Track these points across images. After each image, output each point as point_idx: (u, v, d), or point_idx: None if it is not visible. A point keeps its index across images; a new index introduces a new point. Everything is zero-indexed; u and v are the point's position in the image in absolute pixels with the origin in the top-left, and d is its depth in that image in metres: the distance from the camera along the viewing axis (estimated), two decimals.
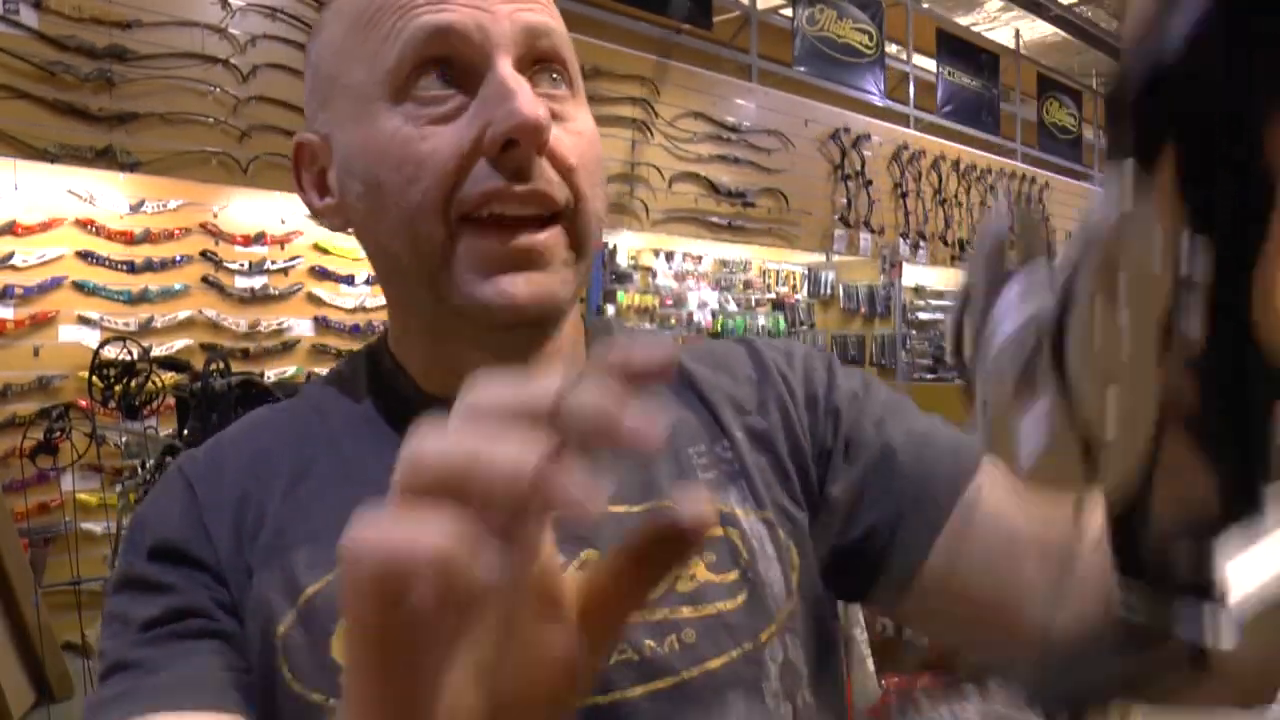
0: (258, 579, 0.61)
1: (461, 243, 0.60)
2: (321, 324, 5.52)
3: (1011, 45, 9.98)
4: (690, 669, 0.60)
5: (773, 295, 8.43)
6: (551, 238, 0.61)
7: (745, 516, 0.66)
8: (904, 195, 8.05)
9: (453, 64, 0.59)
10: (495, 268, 0.59)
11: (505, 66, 0.58)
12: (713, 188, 6.41)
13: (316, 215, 0.67)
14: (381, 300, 4.30)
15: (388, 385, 0.68)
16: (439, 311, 0.62)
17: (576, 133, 0.63)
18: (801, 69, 7.02)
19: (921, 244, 8.25)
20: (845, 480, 0.68)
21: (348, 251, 5.46)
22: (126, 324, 4.84)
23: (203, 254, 5.32)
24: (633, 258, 7.17)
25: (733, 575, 0.63)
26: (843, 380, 0.72)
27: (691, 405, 0.70)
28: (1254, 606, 0.29)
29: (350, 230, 0.66)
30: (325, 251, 5.42)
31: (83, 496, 4.44)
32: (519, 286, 0.59)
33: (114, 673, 0.61)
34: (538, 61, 0.61)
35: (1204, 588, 0.30)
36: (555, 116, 0.60)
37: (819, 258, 8.08)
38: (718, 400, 0.70)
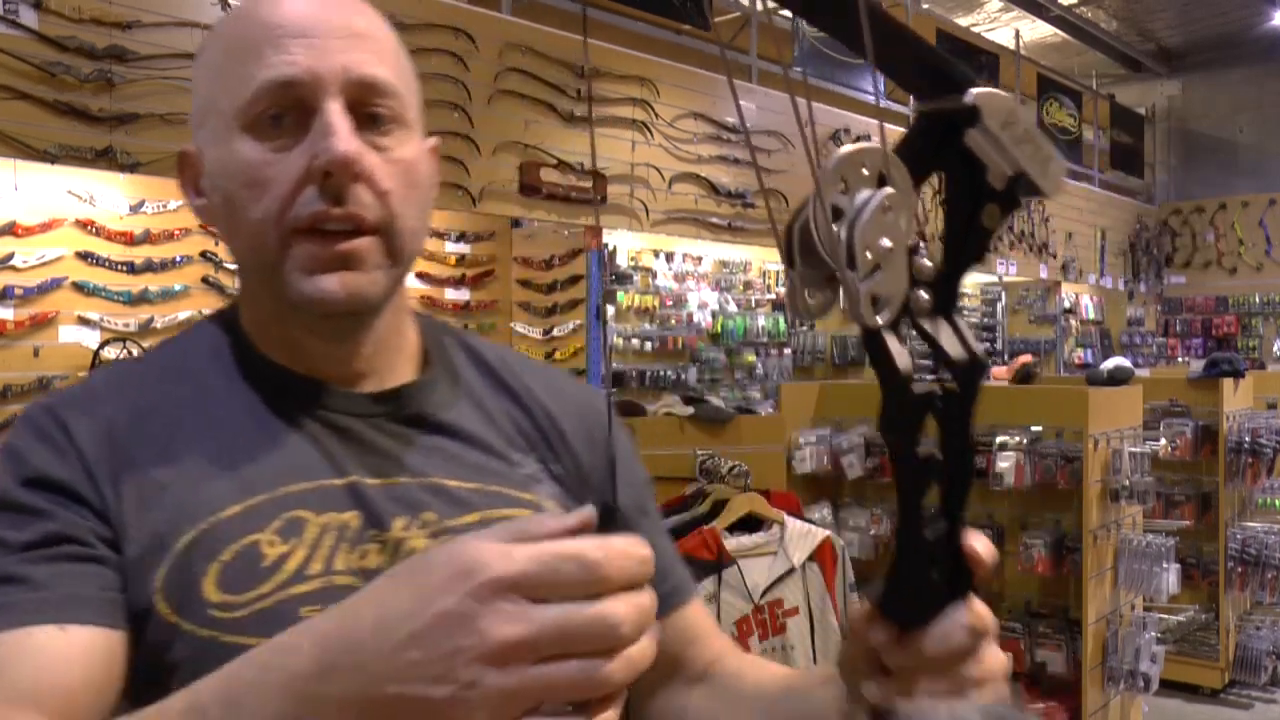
0: (139, 520, 0.71)
1: (292, 249, 0.73)
2: None
3: (1011, 46, 9.98)
4: None
5: (773, 295, 8.43)
6: (364, 245, 0.74)
7: (552, 508, 0.82)
8: None
9: (292, 106, 0.72)
10: (316, 268, 0.73)
11: (332, 110, 0.72)
12: (713, 188, 6.40)
13: (195, 212, 0.81)
14: None
15: (245, 357, 0.80)
16: (278, 303, 0.76)
17: (394, 161, 0.75)
18: (802, 69, 7.02)
19: (921, 244, 8.24)
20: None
21: None
22: (126, 325, 4.84)
23: (203, 254, 5.32)
24: (633, 258, 7.17)
25: None
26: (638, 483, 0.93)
27: (534, 417, 0.86)
28: None
29: (215, 229, 0.80)
30: None
31: None
32: (333, 284, 0.73)
33: None
34: (364, 103, 0.74)
35: None
36: (377, 148, 0.74)
37: None
38: (560, 427, 0.87)
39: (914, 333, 0.59)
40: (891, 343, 0.58)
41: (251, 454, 0.74)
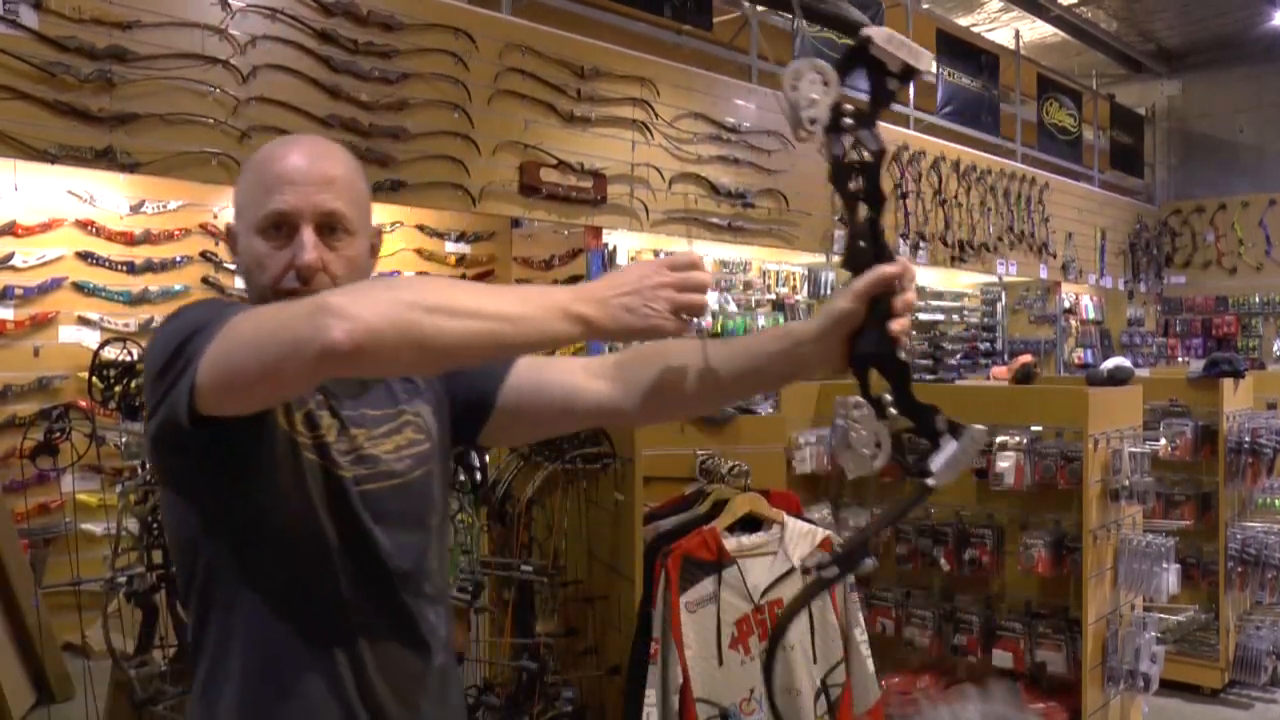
0: None
1: (280, 301, 1.15)
2: None
3: (1011, 45, 9.97)
4: (409, 474, 1.29)
5: (773, 296, 8.43)
6: None
7: (425, 411, 1.36)
8: (904, 195, 8.05)
9: (284, 223, 1.22)
10: None
11: (306, 231, 1.22)
12: (713, 188, 6.40)
13: (235, 264, 1.30)
14: None
15: None
16: None
17: (343, 258, 1.25)
18: None
19: (921, 244, 8.25)
20: (451, 386, 1.40)
21: None
22: (126, 324, 4.84)
23: (203, 254, 5.32)
24: (633, 258, 7.17)
25: (422, 436, 1.34)
26: None
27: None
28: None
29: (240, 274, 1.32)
30: None
31: (83, 497, 4.44)
32: None
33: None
34: (327, 225, 1.23)
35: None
36: (333, 249, 1.23)
37: (819, 258, 8.08)
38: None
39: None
40: (830, 141, 1.16)
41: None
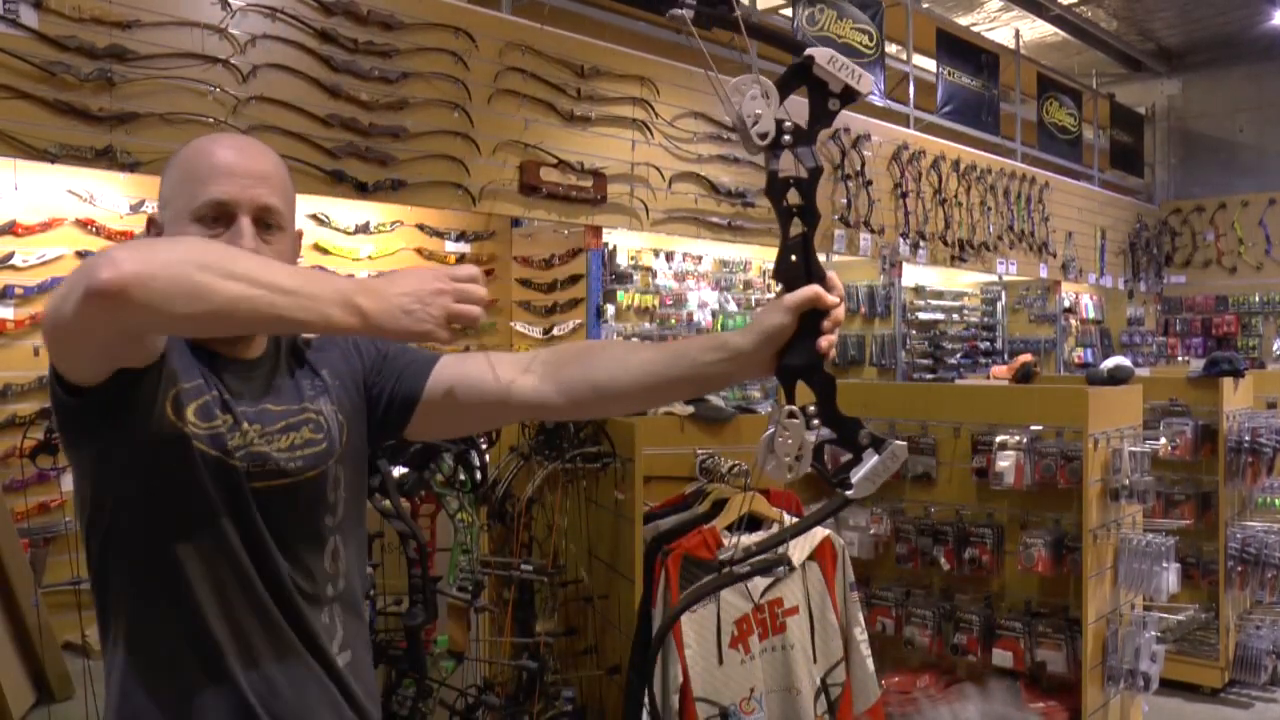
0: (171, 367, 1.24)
1: None
2: None
3: (1011, 45, 9.97)
4: (300, 475, 1.29)
5: (772, 295, 8.42)
6: None
7: (328, 410, 1.35)
8: (904, 195, 8.05)
9: (221, 213, 1.26)
10: None
11: (244, 222, 1.26)
12: (713, 188, 6.40)
13: None
14: None
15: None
16: None
17: (276, 252, 1.27)
18: None
19: (921, 244, 8.25)
20: (375, 382, 1.42)
21: (348, 251, 5.46)
22: None
23: None
24: (633, 258, 7.16)
25: (320, 435, 1.33)
26: (381, 344, 1.46)
27: (311, 362, 1.40)
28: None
29: None
30: (325, 251, 5.42)
31: None
32: None
33: None
34: (262, 219, 1.28)
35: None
36: (266, 242, 1.27)
37: (819, 257, 8.07)
38: (323, 364, 1.40)
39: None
40: (768, 155, 1.19)
41: (200, 374, 1.26)
